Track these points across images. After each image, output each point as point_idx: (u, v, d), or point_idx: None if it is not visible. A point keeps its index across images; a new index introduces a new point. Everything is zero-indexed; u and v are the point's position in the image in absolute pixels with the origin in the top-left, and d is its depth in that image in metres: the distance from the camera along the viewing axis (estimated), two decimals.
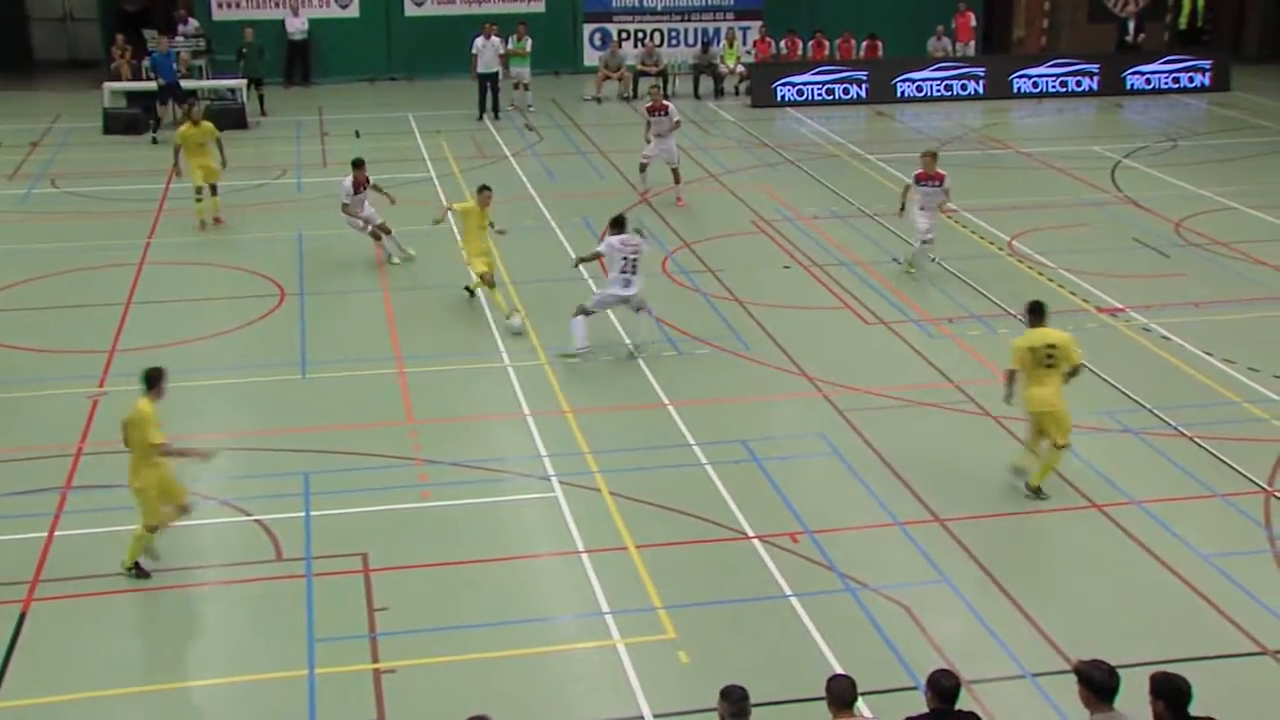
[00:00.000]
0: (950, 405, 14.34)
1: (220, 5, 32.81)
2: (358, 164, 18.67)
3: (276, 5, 32.70)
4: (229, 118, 28.01)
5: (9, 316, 16.99)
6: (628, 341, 15.87)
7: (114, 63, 29.07)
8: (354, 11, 33.64)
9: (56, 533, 11.72)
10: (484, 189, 17.14)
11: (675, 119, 22.10)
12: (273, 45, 31.32)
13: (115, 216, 20.50)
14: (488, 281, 16.81)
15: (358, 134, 27.56)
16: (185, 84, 28.87)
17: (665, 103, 22.35)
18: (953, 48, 32.58)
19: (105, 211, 21.29)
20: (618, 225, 15.71)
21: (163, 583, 11.02)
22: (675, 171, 22.08)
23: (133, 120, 27.66)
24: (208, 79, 29.43)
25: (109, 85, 28.23)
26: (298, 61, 32.86)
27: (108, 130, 27.40)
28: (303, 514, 12.02)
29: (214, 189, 20.61)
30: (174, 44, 29.65)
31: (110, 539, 11.57)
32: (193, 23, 30.85)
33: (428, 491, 12.51)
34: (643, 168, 22.42)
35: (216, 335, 16.40)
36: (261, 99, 29.54)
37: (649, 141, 22.24)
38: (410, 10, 33.87)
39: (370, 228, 18.84)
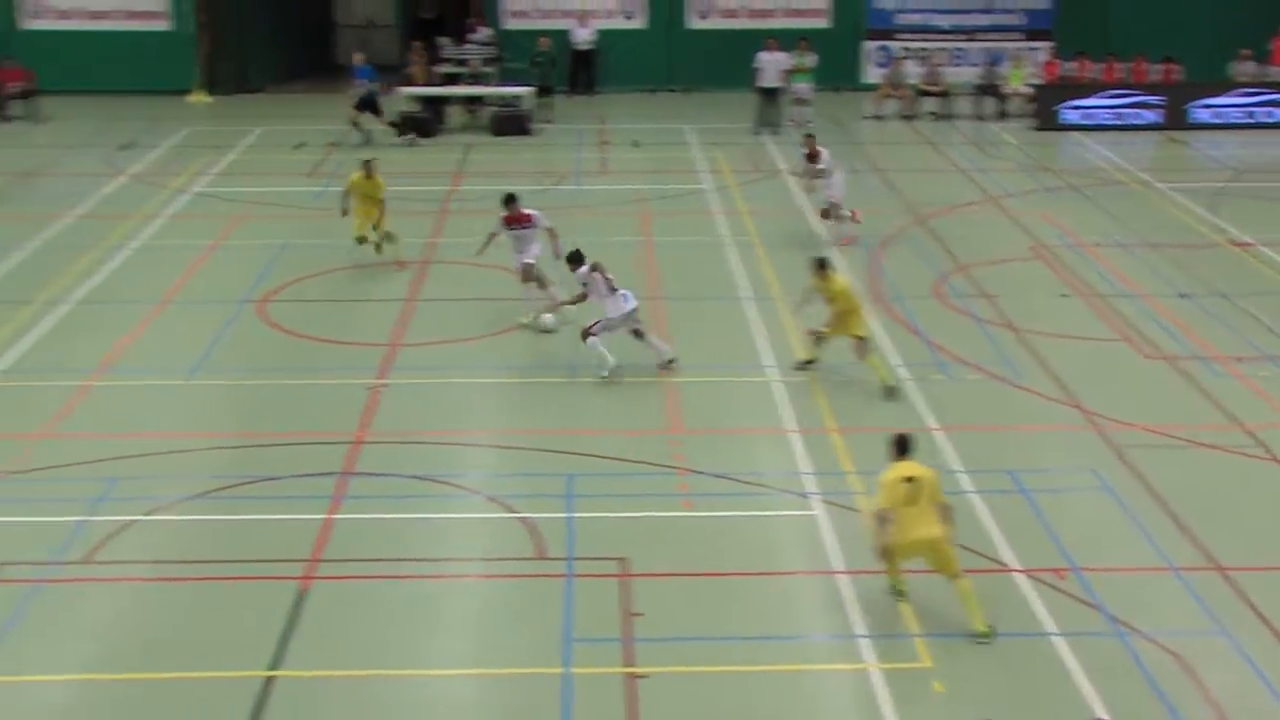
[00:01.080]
0: (1235, 449, 13.60)
1: (511, 15, 33.91)
2: (509, 200, 17.33)
3: (565, 15, 33.61)
4: (513, 124, 28.95)
5: (300, 307, 17.93)
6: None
7: (409, 68, 30.38)
8: (639, 23, 34.28)
9: (335, 516, 12.30)
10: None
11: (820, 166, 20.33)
12: (559, 54, 32.18)
13: (404, 216, 21.38)
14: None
15: (636, 143, 28.03)
16: (472, 91, 30.00)
17: (819, 149, 20.46)
18: (1262, 71, 30.84)
19: (394, 210, 22.14)
20: (575, 260, 15.66)
21: (426, 572, 11.42)
22: (830, 209, 20.44)
23: (423, 124, 28.84)
24: (495, 86, 30.42)
25: (402, 90, 29.49)
26: (582, 70, 33.67)
27: (401, 132, 28.62)
28: (565, 515, 12.27)
29: (386, 236, 19.35)
30: (464, 51, 30.82)
31: (387, 526, 12.09)
32: (484, 31, 31.97)
33: (688, 501, 12.60)
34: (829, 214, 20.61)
35: (489, 335, 16.92)
36: (547, 106, 30.36)
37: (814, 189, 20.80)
38: (693, 23, 34.28)
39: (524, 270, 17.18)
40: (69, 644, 10.34)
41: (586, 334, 15.48)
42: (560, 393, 15.24)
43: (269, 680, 9.88)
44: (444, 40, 31.49)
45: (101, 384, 15.35)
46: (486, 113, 29.66)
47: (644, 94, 33.81)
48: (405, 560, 11.54)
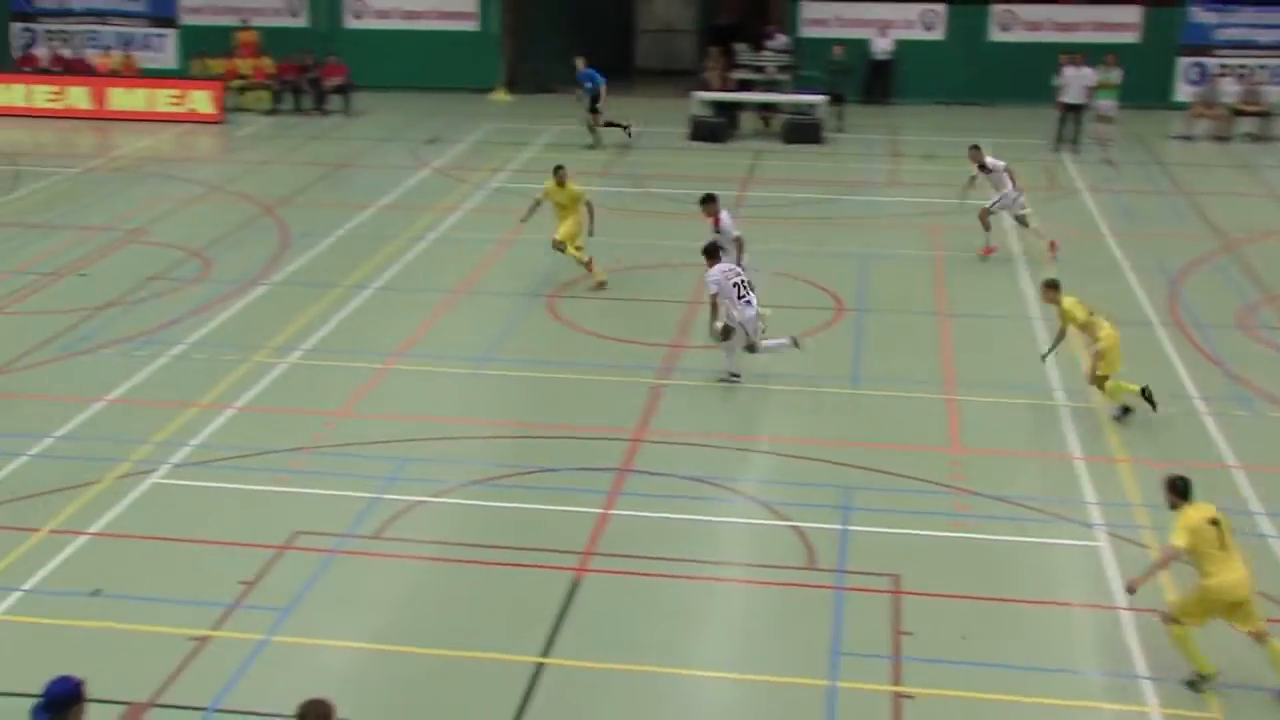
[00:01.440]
0: None
1: (810, 23, 33.86)
2: (707, 200, 17.23)
3: (864, 25, 33.35)
4: (804, 132, 28.90)
5: (589, 303, 18.35)
6: None
7: (705, 73, 30.70)
8: (939, 34, 33.70)
9: (612, 511, 12.54)
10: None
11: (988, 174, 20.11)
12: (855, 63, 31.93)
13: (691, 218, 21.60)
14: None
15: (929, 156, 27.58)
16: (766, 97, 30.09)
17: (987, 159, 20.17)
18: None
19: (682, 213, 22.44)
20: (712, 255, 15.48)
21: (696, 573, 11.53)
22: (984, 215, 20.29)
23: (716, 129, 29.11)
24: (789, 93, 30.43)
25: (698, 94, 29.83)
26: (878, 80, 33.34)
27: (694, 136, 28.98)
28: (839, 527, 12.19)
29: (579, 252, 18.85)
30: (760, 58, 30.95)
31: (661, 525, 12.27)
32: (781, 38, 32.03)
33: (966, 522, 12.32)
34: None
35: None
36: (840, 115, 30.20)
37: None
38: (995, 35, 33.49)
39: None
40: (356, 614, 10.87)
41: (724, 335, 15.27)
42: (841, 403, 15.13)
43: (539, 666, 10.16)
44: (741, 46, 31.70)
45: (397, 368, 16.09)
46: (779, 120, 29.72)
47: (940, 107, 33.21)
48: (676, 560, 11.67)
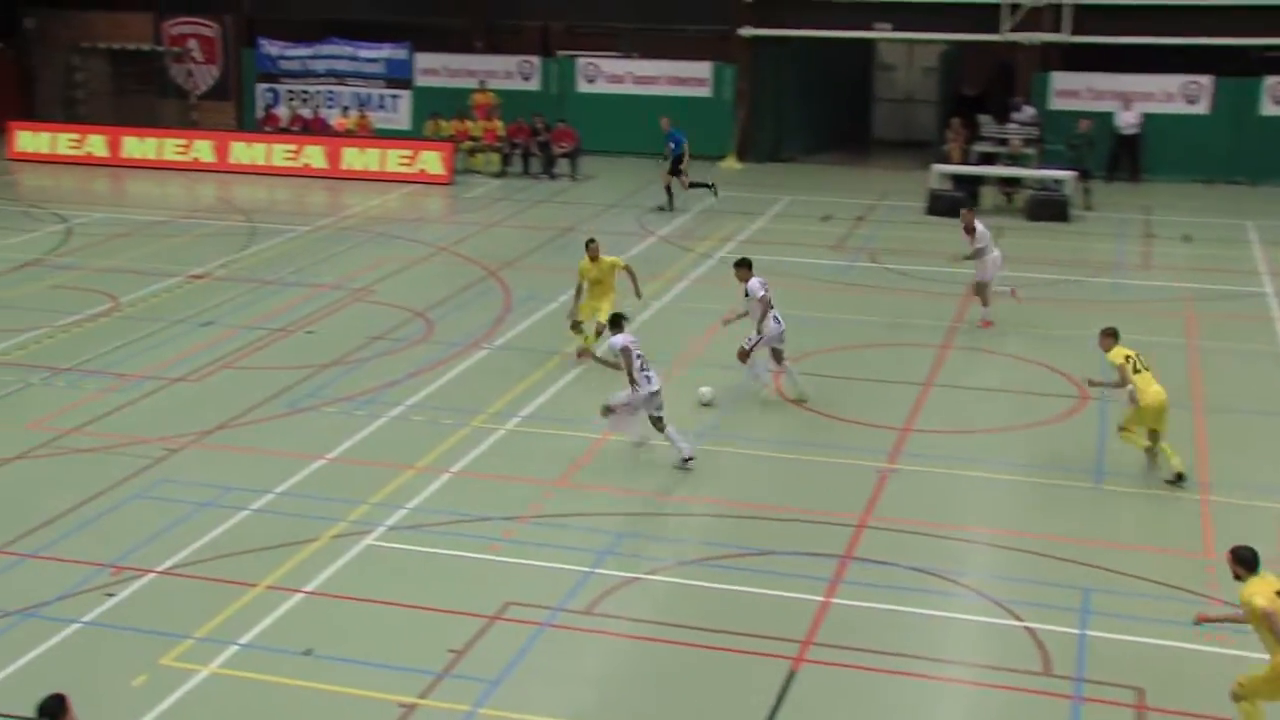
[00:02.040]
0: None
1: (1059, 94, 33.27)
2: (741, 264, 17.50)
3: (1116, 97, 32.59)
4: (1050, 209, 28.35)
5: (814, 381, 18.26)
6: None
7: (945, 145, 30.44)
8: (1202, 108, 32.65)
9: (833, 599, 12.38)
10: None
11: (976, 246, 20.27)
12: (1100, 137, 31.20)
13: (927, 296, 21.43)
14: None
15: (1187, 238, 26.71)
16: (1011, 172, 29.64)
17: (976, 224, 20.41)
18: None
19: (918, 290, 22.24)
20: (615, 325, 15.62)
21: (921, 670, 11.26)
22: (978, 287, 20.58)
23: (955, 203, 28.77)
24: (1035, 168, 29.91)
25: (937, 167, 29.58)
26: (1125, 156, 32.50)
27: (931, 210, 28.72)
28: (1077, 631, 11.77)
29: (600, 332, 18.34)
30: (1005, 130, 30.53)
31: (884, 617, 12.05)
32: (1028, 110, 31.55)
33: (1218, 634, 11.73)
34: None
35: (1009, 429, 16.56)
36: (1087, 192, 29.52)
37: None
38: (1269, 109, 32.27)
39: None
40: (565, 690, 10.96)
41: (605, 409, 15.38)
42: (1081, 498, 14.66)
43: None
44: (985, 118, 31.36)
45: (616, 440, 16.21)
46: (1023, 195, 29.22)
47: (1198, 184, 32.15)
48: (900, 655, 11.43)
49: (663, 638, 11.75)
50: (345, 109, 36.27)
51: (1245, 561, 9.95)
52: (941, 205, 28.72)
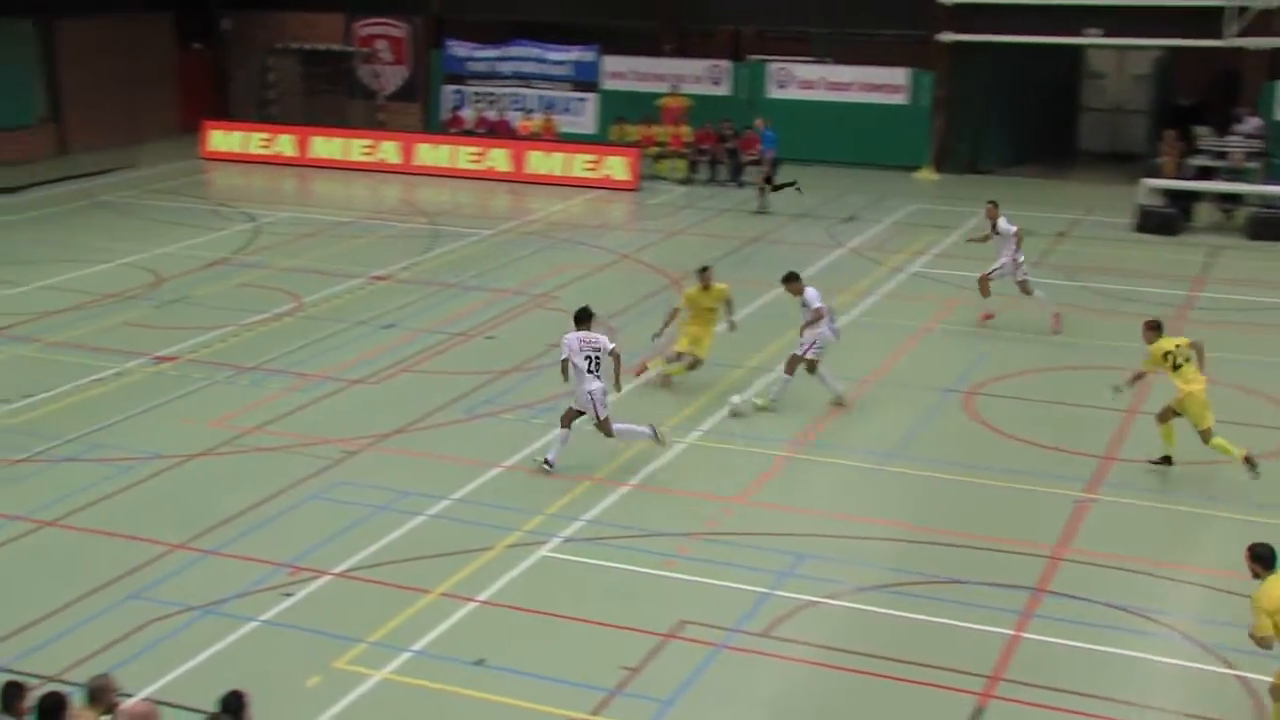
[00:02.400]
0: None
1: None
2: (789, 279, 18.14)
3: None
4: (1274, 228, 27.39)
5: (1009, 404, 17.94)
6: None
7: (1158, 158, 29.60)
8: None
9: (1023, 633, 12.14)
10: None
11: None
12: None
13: (1133, 318, 20.79)
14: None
15: None
16: (1231, 188, 28.68)
17: (999, 218, 21.32)
18: None
19: (1122, 311, 21.67)
20: (580, 320, 15.91)
21: (1115, 714, 10.95)
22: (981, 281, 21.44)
23: (1167, 220, 27.98)
24: (1260, 184, 28.88)
25: (1148, 181, 28.77)
26: None
27: (1140, 228, 27.96)
28: None
29: (694, 365, 18.42)
30: (1226, 143, 29.55)
31: (1079, 655, 11.76)
32: (1253, 121, 30.48)
33: None
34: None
35: (1214, 461, 15.99)
36: None
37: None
38: None
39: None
40: (741, 713, 10.96)
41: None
42: None
43: None
44: (1202, 130, 30.40)
45: (799, 457, 16.21)
46: (1244, 213, 28.26)
47: None
48: (1095, 697, 11.15)
49: (842, 665, 11.66)
50: (530, 112, 36.87)
51: (1262, 559, 10.01)
52: (1152, 222, 27.94)
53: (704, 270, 18.52)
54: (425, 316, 21.84)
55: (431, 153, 34.73)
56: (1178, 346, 15.39)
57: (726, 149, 33.22)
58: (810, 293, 17.85)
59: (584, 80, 37.50)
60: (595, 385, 15.58)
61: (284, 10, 40.10)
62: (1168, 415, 15.64)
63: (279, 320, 21.58)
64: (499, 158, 34.15)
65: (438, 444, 16.57)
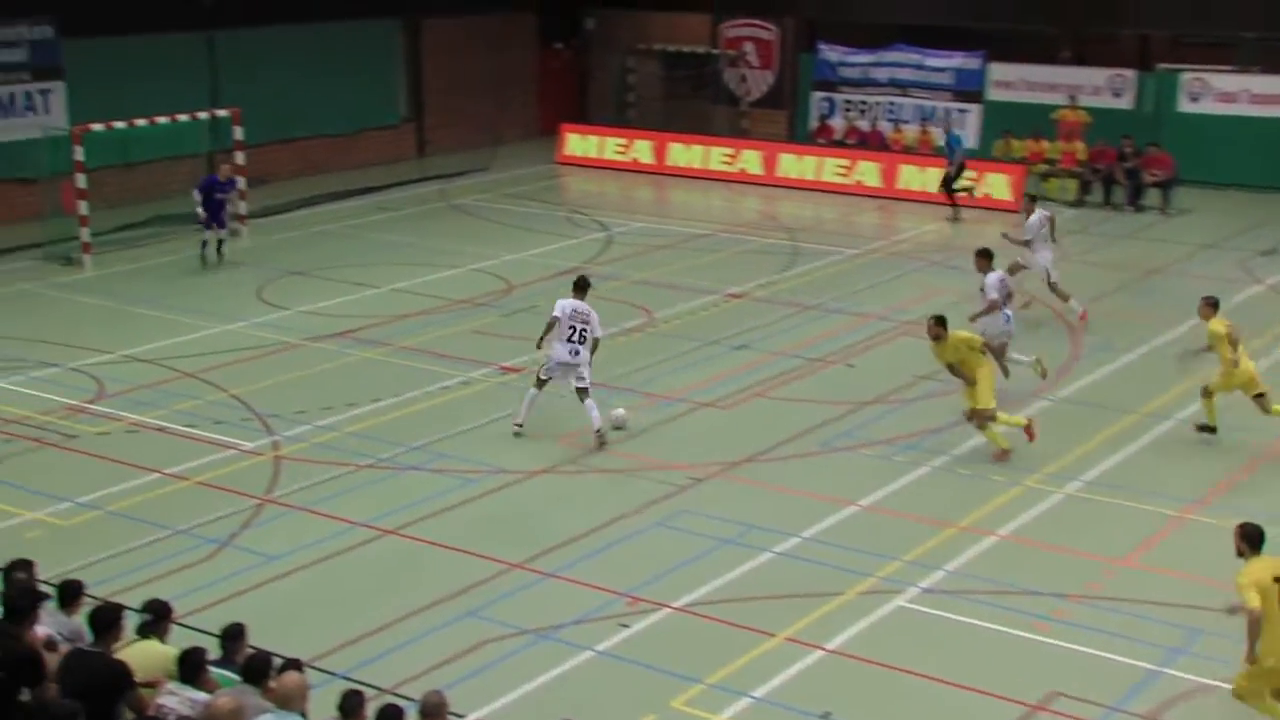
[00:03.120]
0: None
1: None
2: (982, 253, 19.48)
3: None
4: None
5: None
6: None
7: None
8: None
9: None
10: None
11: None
12: None
13: None
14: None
15: None
16: None
17: (1035, 211, 23.00)
18: None
19: None
20: (577, 288, 17.72)
21: None
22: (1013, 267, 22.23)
23: None
24: None
25: None
26: None
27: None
28: None
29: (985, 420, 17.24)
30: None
31: None
32: None
33: None
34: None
35: None
36: None
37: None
38: None
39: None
40: None
41: None
42: None
43: None
44: None
45: (1197, 519, 15.49)
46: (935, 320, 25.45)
47: None
48: None
49: None
50: (905, 123, 36.56)
51: (1250, 539, 10.94)
52: None
53: (932, 321, 17.34)
54: (781, 339, 21.94)
55: (796, 164, 34.94)
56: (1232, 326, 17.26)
57: (1125, 169, 32.09)
58: (991, 278, 19.06)
59: (967, 89, 36.91)
60: (561, 353, 17.37)
61: (649, 10, 41.08)
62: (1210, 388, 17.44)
63: (628, 335, 22.07)
64: (868, 171, 34.05)
65: (789, 476, 16.60)
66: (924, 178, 33.25)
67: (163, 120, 28.20)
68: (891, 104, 37.53)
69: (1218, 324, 17.32)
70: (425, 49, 38.49)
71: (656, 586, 13.74)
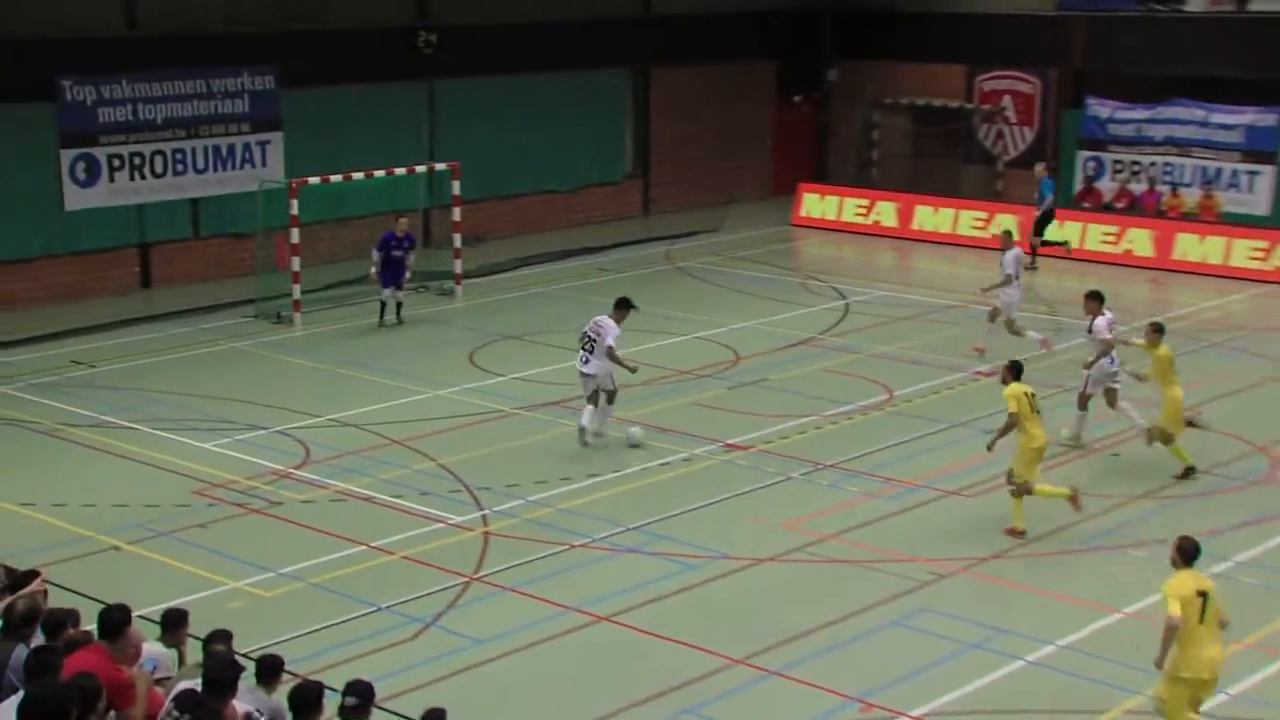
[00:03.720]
0: None
1: None
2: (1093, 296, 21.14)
3: None
4: None
5: None
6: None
7: None
8: None
9: None
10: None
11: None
12: None
13: None
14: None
15: None
16: None
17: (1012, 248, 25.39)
18: None
19: None
20: (617, 307, 20.66)
21: None
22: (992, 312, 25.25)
23: None
24: None
25: None
26: None
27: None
28: None
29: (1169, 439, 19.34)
30: None
31: None
32: None
33: None
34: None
35: None
36: None
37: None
38: None
39: None
40: None
41: None
42: None
43: None
44: None
45: None
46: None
47: None
48: None
49: None
50: (1184, 186, 35.70)
51: (1185, 552, 12.27)
52: None
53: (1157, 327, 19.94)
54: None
55: (1057, 230, 34.44)
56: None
57: None
58: (1101, 321, 20.50)
59: (1259, 149, 35.85)
60: (587, 364, 20.06)
61: (900, 61, 40.92)
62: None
63: (865, 414, 21.95)
64: (1140, 239, 33.42)
65: (1044, 576, 16.30)
66: (1204, 248, 32.55)
67: (379, 173, 29.11)
68: (1169, 165, 36.73)
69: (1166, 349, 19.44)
70: (654, 101, 39.05)
71: (893, 692, 13.57)
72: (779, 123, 42.03)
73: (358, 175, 28.75)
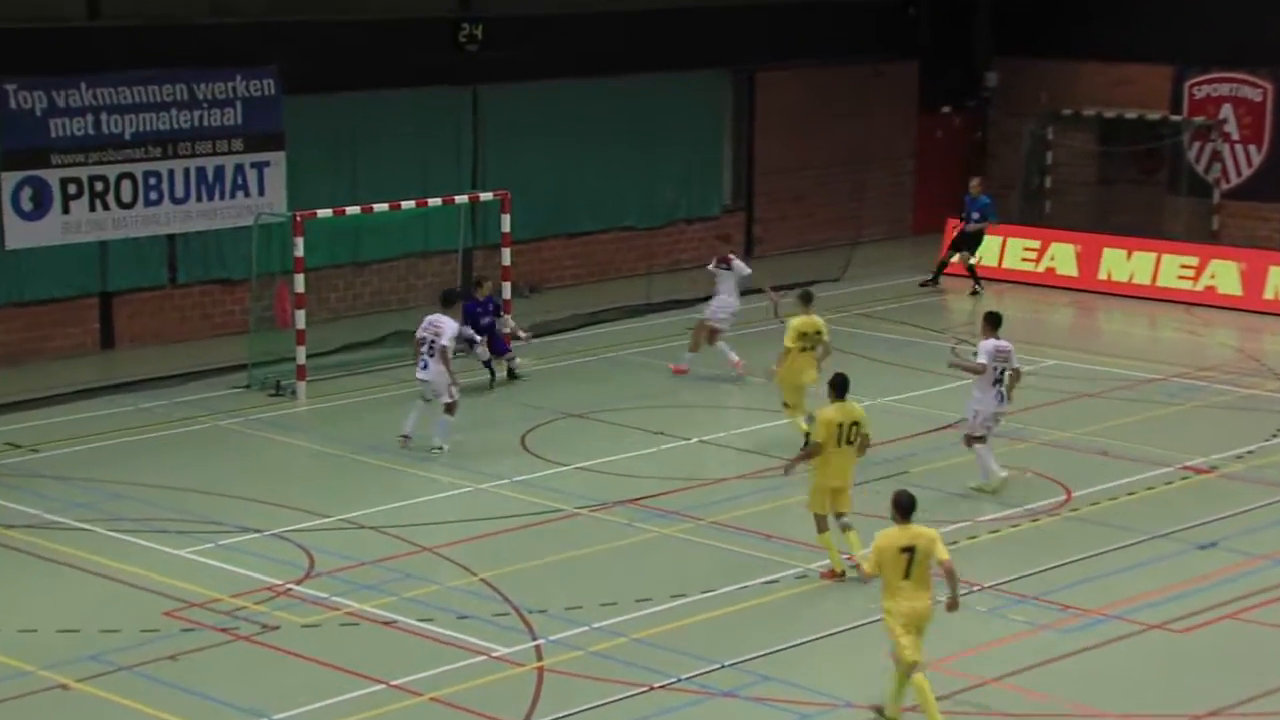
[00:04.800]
0: None
1: None
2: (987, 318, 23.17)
3: None
4: None
5: None
6: None
7: None
8: None
9: None
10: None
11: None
12: None
13: None
14: None
15: None
16: None
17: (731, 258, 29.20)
18: None
19: None
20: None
21: None
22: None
23: None
24: None
25: None
26: None
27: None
28: None
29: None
30: None
31: None
32: None
33: None
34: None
35: None
36: None
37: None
38: None
39: None
40: None
41: None
42: None
43: None
44: None
45: None
46: None
47: None
48: None
49: None
50: None
51: (901, 507, 15.27)
52: None
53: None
54: (1269, 535, 21.33)
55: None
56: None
57: None
58: (987, 344, 22.47)
59: None
60: (425, 370, 23.12)
61: (1082, 60, 40.49)
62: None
63: (1035, 520, 21.81)
64: None
65: None
66: None
67: (407, 205, 28.98)
68: None
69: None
70: (760, 112, 38.87)
71: None
72: (921, 141, 41.96)
73: (380, 207, 28.67)
